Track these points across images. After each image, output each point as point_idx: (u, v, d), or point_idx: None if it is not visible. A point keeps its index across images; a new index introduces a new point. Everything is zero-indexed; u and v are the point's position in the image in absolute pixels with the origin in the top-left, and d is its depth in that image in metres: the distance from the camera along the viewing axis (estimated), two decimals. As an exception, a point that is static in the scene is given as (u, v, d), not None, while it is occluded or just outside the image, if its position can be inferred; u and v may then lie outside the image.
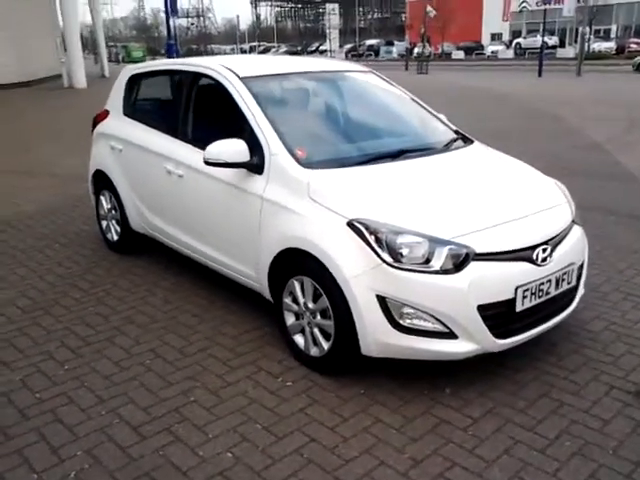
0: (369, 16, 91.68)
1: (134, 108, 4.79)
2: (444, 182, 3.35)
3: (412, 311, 2.82)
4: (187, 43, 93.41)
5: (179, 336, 3.64)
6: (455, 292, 2.79)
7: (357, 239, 2.88)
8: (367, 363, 3.07)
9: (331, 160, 3.39)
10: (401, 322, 2.84)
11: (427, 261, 2.81)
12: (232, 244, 3.69)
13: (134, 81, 4.82)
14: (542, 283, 2.99)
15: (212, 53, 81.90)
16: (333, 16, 55.99)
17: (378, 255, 2.82)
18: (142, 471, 2.51)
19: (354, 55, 58.58)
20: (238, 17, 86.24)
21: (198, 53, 72.97)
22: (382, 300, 2.84)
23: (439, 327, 2.83)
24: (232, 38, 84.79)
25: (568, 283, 3.16)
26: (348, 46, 62.55)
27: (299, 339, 3.29)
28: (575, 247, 3.26)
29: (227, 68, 3.81)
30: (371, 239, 2.85)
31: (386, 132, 4.02)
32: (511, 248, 2.92)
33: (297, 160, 3.28)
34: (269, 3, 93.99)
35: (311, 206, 3.10)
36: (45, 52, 25.79)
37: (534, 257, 2.96)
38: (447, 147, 3.86)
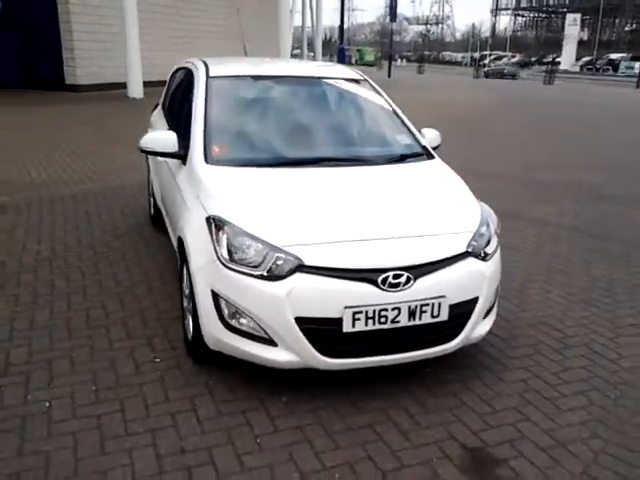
0: (623, 27, 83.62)
1: (165, 100, 5.31)
2: (329, 193, 3.25)
3: (240, 311, 2.86)
4: (421, 49, 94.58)
5: (120, 302, 4.02)
6: (272, 299, 2.75)
7: (208, 235, 2.99)
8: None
9: (233, 160, 3.49)
10: (229, 320, 2.89)
11: (257, 265, 2.82)
12: (172, 228, 3.99)
13: (172, 76, 5.34)
14: (385, 309, 2.78)
15: (442, 60, 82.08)
16: (571, 27, 52.34)
17: (216, 252, 2.90)
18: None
19: (589, 69, 54.23)
20: (473, 25, 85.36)
21: (427, 60, 73.38)
22: (215, 296, 2.91)
23: (260, 332, 2.83)
24: (468, 46, 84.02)
25: (433, 317, 2.87)
26: (586, 59, 57.98)
27: (186, 322, 3.47)
28: (455, 281, 2.94)
29: (205, 66, 4.10)
30: (215, 236, 2.93)
31: (323, 140, 3.94)
32: (347, 266, 2.77)
33: (206, 156, 3.45)
34: (509, 12, 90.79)
35: (195, 198, 3.27)
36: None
37: (379, 281, 2.78)
38: (389, 160, 3.71)
